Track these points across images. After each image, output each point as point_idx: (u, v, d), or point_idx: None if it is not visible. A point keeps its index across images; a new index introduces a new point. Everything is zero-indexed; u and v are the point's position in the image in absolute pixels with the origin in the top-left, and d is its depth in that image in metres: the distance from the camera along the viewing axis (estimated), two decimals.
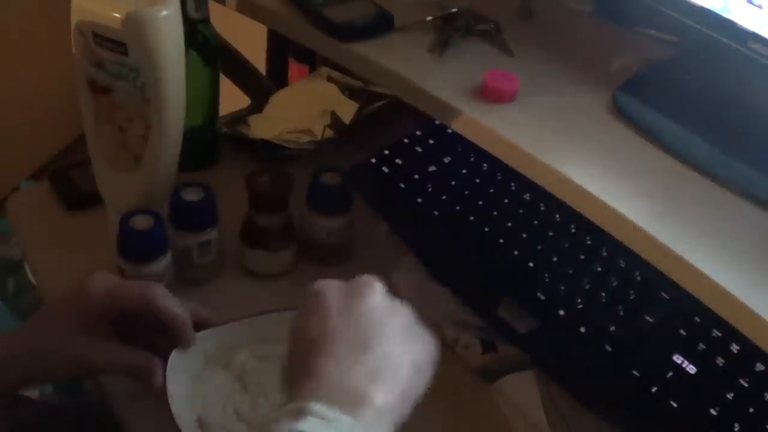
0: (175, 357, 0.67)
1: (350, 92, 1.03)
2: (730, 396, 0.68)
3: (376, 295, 0.57)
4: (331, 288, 0.57)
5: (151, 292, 0.65)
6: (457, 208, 0.88)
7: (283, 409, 0.50)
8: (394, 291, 0.59)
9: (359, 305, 0.56)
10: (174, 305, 0.66)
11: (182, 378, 0.67)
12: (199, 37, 0.86)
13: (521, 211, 0.85)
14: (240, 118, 1.02)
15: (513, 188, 0.87)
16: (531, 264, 0.81)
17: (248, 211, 0.83)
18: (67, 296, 0.66)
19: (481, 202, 0.88)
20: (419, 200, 0.89)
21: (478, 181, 0.90)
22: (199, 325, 0.69)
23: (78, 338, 0.64)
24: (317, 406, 0.48)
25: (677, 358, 0.71)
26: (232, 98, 1.10)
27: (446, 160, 0.92)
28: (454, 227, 0.86)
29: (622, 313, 0.75)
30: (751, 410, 0.68)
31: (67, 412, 0.89)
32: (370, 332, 0.54)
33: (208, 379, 0.70)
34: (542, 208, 0.84)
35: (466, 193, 0.89)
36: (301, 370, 0.53)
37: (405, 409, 0.53)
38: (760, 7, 0.65)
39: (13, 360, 0.64)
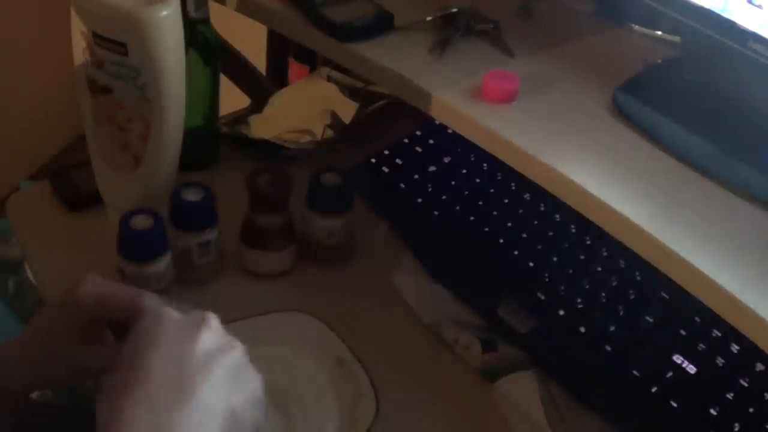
0: None
1: (350, 92, 1.03)
2: (730, 396, 0.68)
3: (208, 335, 0.56)
4: (166, 321, 0.56)
5: (138, 302, 0.63)
6: (457, 208, 0.88)
7: None
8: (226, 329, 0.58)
9: (189, 347, 0.54)
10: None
11: None
12: (199, 37, 0.86)
13: (521, 211, 0.85)
14: (240, 118, 1.02)
15: (513, 188, 0.87)
16: (531, 264, 0.81)
17: (248, 211, 0.83)
18: (57, 303, 0.66)
19: (481, 202, 0.88)
20: (419, 200, 0.89)
21: (478, 181, 0.90)
22: None
23: (69, 345, 0.63)
24: None
25: (677, 358, 0.71)
26: (232, 98, 1.10)
27: (446, 160, 0.92)
28: (454, 227, 0.86)
29: (622, 313, 0.75)
30: (751, 410, 0.68)
31: (67, 411, 0.89)
32: (192, 378, 0.53)
33: None
34: (542, 208, 0.84)
35: (466, 193, 0.89)
36: (110, 413, 0.51)
37: None
38: (760, 7, 0.65)
39: (10, 367, 0.64)
